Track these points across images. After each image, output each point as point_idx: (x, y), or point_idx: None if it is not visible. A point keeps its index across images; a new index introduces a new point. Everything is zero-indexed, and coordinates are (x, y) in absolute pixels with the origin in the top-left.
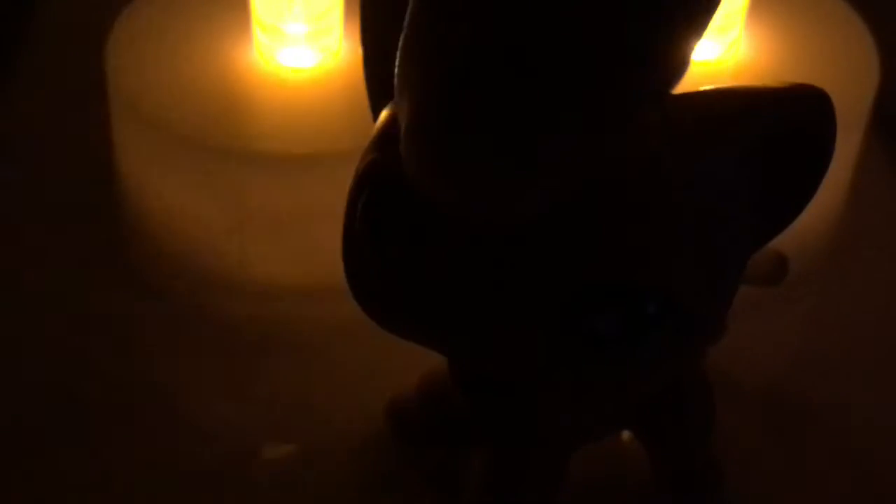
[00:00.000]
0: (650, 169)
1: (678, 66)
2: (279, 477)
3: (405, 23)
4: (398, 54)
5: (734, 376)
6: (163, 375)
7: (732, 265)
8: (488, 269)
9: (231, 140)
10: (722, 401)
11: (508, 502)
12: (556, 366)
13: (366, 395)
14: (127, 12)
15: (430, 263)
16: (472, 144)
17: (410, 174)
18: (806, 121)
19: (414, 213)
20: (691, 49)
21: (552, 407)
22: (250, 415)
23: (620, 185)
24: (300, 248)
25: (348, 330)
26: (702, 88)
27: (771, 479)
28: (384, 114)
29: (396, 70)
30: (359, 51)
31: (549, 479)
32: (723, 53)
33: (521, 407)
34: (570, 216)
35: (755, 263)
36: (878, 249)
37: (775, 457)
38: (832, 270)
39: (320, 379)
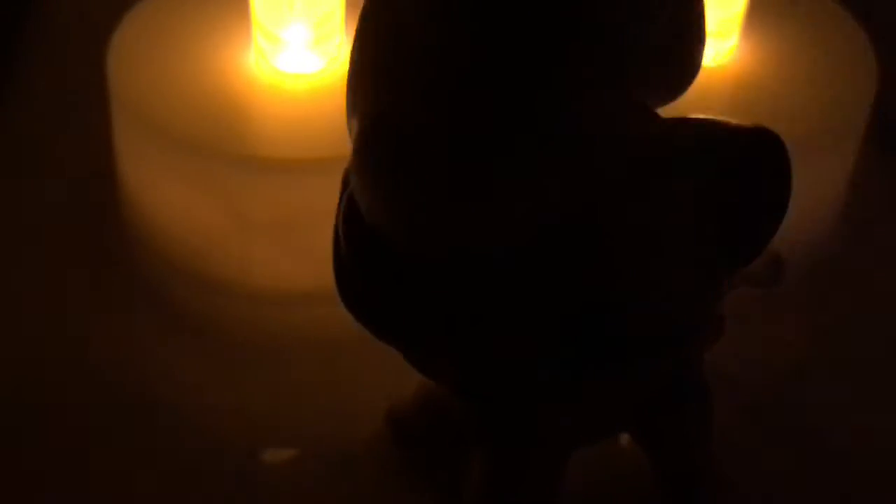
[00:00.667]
0: (621, 193)
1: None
2: (279, 479)
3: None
4: (350, 74)
5: (732, 378)
6: (162, 378)
7: (711, 287)
8: (472, 298)
9: (231, 145)
10: (720, 402)
11: None
12: (548, 384)
13: (366, 397)
14: (128, 17)
15: (411, 298)
16: (405, 167)
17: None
18: (758, 161)
19: (390, 251)
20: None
21: (550, 411)
22: (250, 417)
23: (600, 207)
24: (300, 252)
25: (348, 333)
26: (671, 117)
27: (769, 480)
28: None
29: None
30: None
31: (548, 482)
32: (720, 59)
33: (519, 411)
34: (551, 240)
35: (753, 266)
36: (876, 253)
37: (773, 458)
38: (830, 274)
39: (320, 382)
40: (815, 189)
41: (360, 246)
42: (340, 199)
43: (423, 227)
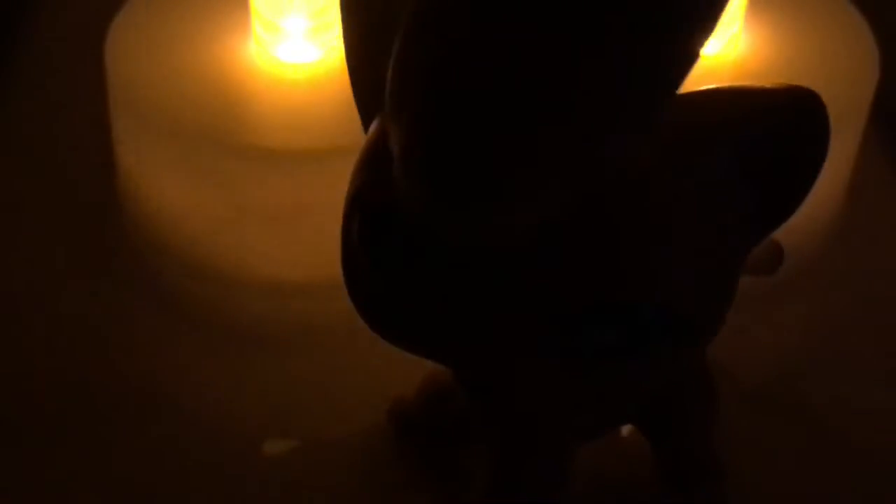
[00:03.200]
0: (642, 179)
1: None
2: (279, 473)
3: (397, 46)
4: (390, 76)
5: (734, 372)
6: (162, 370)
7: (730, 267)
8: (485, 287)
9: (231, 136)
10: (723, 395)
11: (513, 501)
12: (553, 381)
13: (368, 392)
14: (127, 7)
15: (425, 283)
16: (468, 171)
17: (405, 196)
18: (799, 123)
19: (408, 234)
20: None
21: (554, 409)
22: (250, 411)
23: (613, 197)
24: (300, 243)
25: (350, 326)
26: (690, 91)
27: (771, 473)
28: (373, 129)
29: (388, 90)
30: None
31: (554, 478)
32: (722, 49)
33: (523, 407)
34: (563, 232)
35: (751, 253)
36: (878, 245)
37: (775, 452)
38: (832, 266)
39: (321, 375)
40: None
41: (370, 242)
42: (350, 211)
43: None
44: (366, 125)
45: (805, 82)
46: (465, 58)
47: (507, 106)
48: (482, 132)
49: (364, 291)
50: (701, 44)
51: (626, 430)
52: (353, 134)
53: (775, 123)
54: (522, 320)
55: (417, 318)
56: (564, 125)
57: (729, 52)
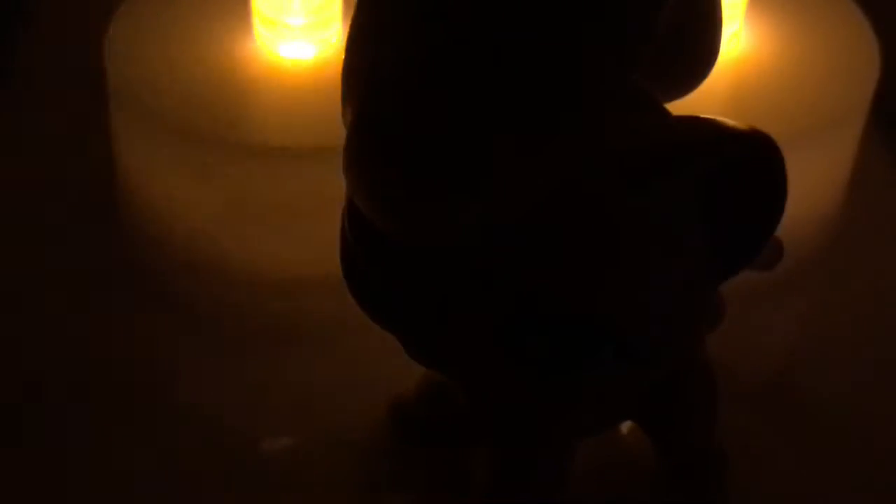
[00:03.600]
0: (596, 197)
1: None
2: (278, 469)
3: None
4: (343, 70)
5: (734, 367)
6: (161, 367)
7: (689, 299)
8: (436, 286)
9: (231, 132)
10: (722, 391)
11: (514, 498)
12: (504, 383)
13: (367, 388)
14: (127, 4)
15: (407, 285)
16: (385, 167)
17: (348, 191)
18: (751, 166)
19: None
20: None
21: (551, 405)
22: (250, 407)
23: (567, 209)
24: (300, 239)
25: (349, 322)
26: (657, 120)
27: (771, 468)
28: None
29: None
30: None
31: (554, 475)
32: (722, 47)
33: (522, 404)
34: (517, 239)
35: None
36: (879, 242)
37: (775, 446)
38: (833, 263)
39: (321, 371)
40: (818, 175)
41: (363, 233)
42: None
43: (416, 221)
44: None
45: (806, 79)
46: (389, 58)
47: (429, 107)
48: (400, 134)
49: (361, 287)
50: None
51: (625, 425)
52: None
53: (725, 160)
54: (474, 320)
55: (407, 317)
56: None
57: (729, 51)
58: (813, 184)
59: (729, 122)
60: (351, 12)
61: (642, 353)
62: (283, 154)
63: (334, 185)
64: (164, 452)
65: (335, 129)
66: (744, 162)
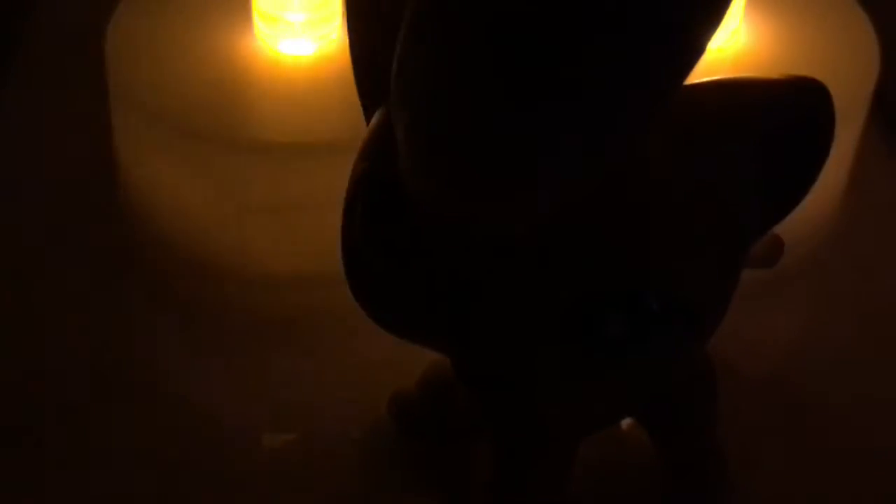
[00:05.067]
0: (651, 169)
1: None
2: (280, 467)
3: (401, 35)
4: (394, 71)
5: (735, 364)
6: (163, 365)
7: (735, 259)
8: (487, 276)
9: (231, 129)
10: (722, 388)
11: (515, 496)
12: (557, 371)
13: (369, 386)
14: (126, 1)
15: (426, 272)
16: (475, 161)
17: (411, 186)
18: (806, 114)
19: (410, 222)
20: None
21: (553, 403)
22: (252, 405)
23: (622, 187)
24: (300, 236)
25: (350, 320)
26: (696, 82)
27: (771, 466)
28: (376, 118)
29: (393, 82)
30: None
31: (556, 471)
32: (723, 42)
33: (524, 401)
34: (570, 222)
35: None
36: (878, 236)
37: (776, 444)
38: (832, 260)
39: (322, 369)
40: None
41: (372, 225)
42: (352, 199)
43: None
44: (367, 113)
45: (805, 74)
46: (467, 58)
47: (509, 104)
48: (482, 132)
49: (363, 280)
50: (709, 37)
51: (625, 423)
52: (354, 127)
53: (782, 113)
54: (525, 312)
55: (416, 307)
56: (568, 121)
57: (729, 46)
58: None
59: (772, 76)
60: None
61: (695, 323)
62: (284, 150)
63: (334, 182)
64: (164, 450)
65: (336, 126)
66: (797, 109)
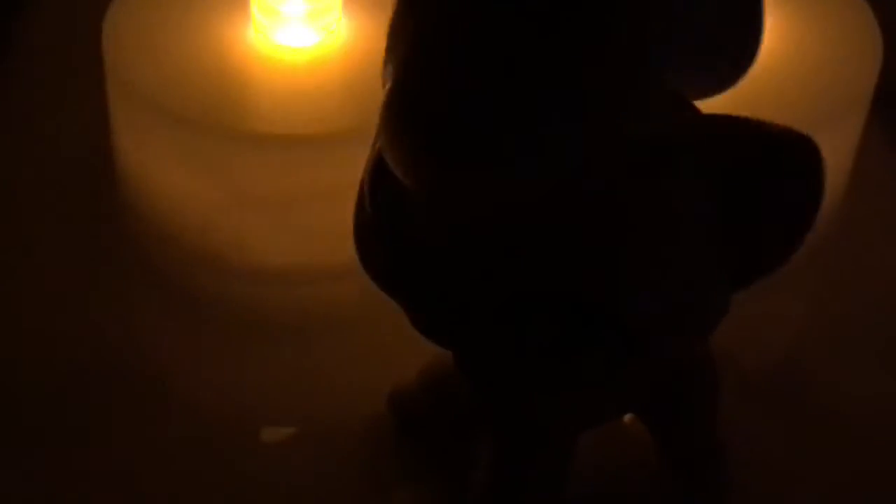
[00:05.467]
0: (641, 170)
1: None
2: (277, 459)
3: (394, 10)
4: (386, 40)
5: (735, 361)
6: (160, 356)
7: (698, 293)
8: (466, 261)
9: (229, 121)
10: (723, 385)
11: (514, 492)
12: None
13: (366, 378)
14: None
15: (422, 248)
16: (445, 127)
17: (389, 158)
18: (790, 164)
19: (413, 199)
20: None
21: (552, 399)
22: (248, 398)
23: (613, 184)
24: (298, 229)
25: (348, 312)
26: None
27: (772, 463)
28: None
29: (385, 54)
30: (357, 30)
31: (555, 467)
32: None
33: (523, 397)
34: (541, 217)
35: None
36: (881, 231)
37: (776, 441)
38: (835, 256)
39: (318, 362)
40: None
41: (385, 208)
42: (366, 173)
43: (444, 188)
44: None
45: (807, 72)
46: (449, 24)
47: (487, 68)
48: (461, 92)
49: (373, 253)
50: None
51: (626, 418)
52: (352, 118)
53: (758, 157)
54: (478, 302)
55: (419, 288)
56: (564, 100)
57: None
58: None
59: (763, 120)
60: (351, 1)
61: (643, 343)
62: (283, 142)
63: (334, 173)
64: (164, 443)
65: (335, 117)
66: (778, 159)
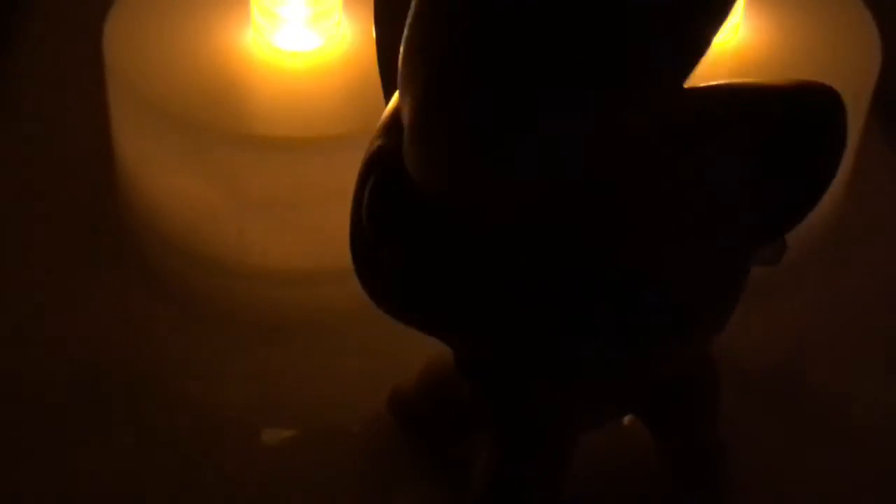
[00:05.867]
0: (650, 165)
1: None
2: (279, 462)
3: (407, 22)
4: (401, 52)
5: (735, 360)
6: (162, 358)
7: (736, 262)
8: (485, 261)
9: (229, 124)
10: (724, 385)
11: (514, 492)
12: (549, 361)
13: (365, 378)
14: None
15: (430, 251)
16: (466, 145)
17: (412, 170)
18: (815, 119)
19: (417, 199)
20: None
21: (552, 398)
22: (248, 397)
23: (620, 180)
24: (298, 231)
25: (348, 313)
26: (707, 84)
27: (771, 462)
28: (394, 100)
29: (399, 68)
30: (357, 34)
31: (555, 465)
32: (723, 37)
33: (523, 396)
34: (566, 209)
35: None
36: (880, 233)
37: (776, 439)
38: (834, 255)
39: (318, 362)
40: None
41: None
42: (364, 174)
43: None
44: (388, 101)
45: (806, 72)
46: (466, 36)
47: (507, 77)
48: (478, 99)
49: (369, 259)
50: (714, 32)
51: (626, 419)
52: (352, 121)
53: (789, 119)
54: (519, 299)
55: (417, 290)
56: (565, 99)
57: (729, 42)
58: None
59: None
60: (350, 4)
61: (705, 318)
62: (282, 145)
63: (334, 177)
64: (164, 445)
65: (333, 121)
66: (807, 114)
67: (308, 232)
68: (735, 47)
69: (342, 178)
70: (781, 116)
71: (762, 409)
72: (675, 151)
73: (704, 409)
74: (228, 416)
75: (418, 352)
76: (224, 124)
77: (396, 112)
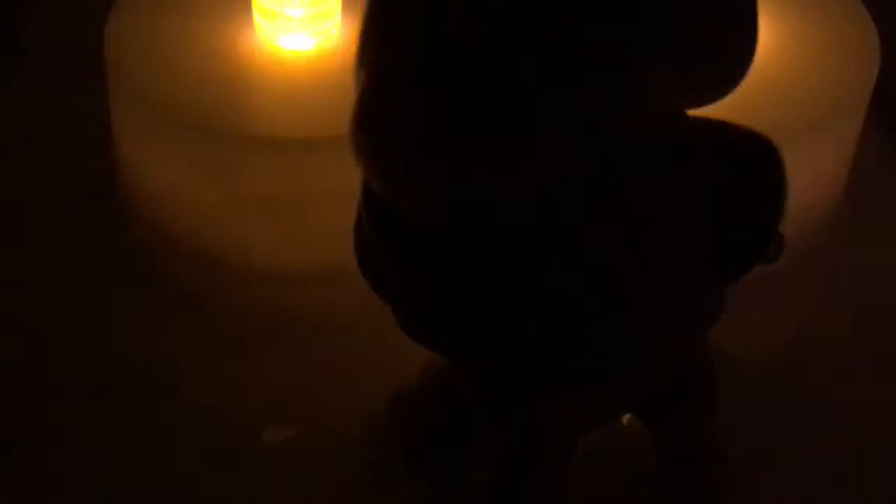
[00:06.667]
0: (598, 191)
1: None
2: (277, 459)
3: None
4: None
5: (734, 360)
6: (162, 357)
7: (680, 290)
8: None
9: (230, 123)
10: (721, 385)
11: (515, 490)
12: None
13: (364, 377)
14: None
15: (416, 253)
16: (396, 147)
17: (358, 164)
18: (747, 173)
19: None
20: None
21: (552, 397)
22: (247, 396)
23: (581, 195)
24: (298, 230)
25: (348, 313)
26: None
27: (770, 462)
28: None
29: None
30: (356, 35)
31: (555, 465)
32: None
33: (522, 399)
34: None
35: None
36: (878, 231)
37: (774, 440)
38: (833, 255)
39: (318, 362)
40: (817, 167)
41: (378, 216)
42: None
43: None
44: None
45: (805, 73)
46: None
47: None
48: (417, 99)
49: (369, 258)
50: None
51: (625, 418)
52: None
53: (723, 167)
54: (471, 299)
55: (412, 290)
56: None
57: None
58: (813, 176)
59: (735, 124)
60: (350, 4)
61: (633, 344)
62: (283, 145)
63: (335, 176)
64: (166, 445)
65: (333, 120)
66: (745, 164)
67: (307, 231)
68: None
69: (342, 178)
70: (715, 164)
71: (762, 410)
72: (646, 167)
73: (703, 410)
74: (228, 415)
75: (419, 352)
76: (225, 124)
77: None
